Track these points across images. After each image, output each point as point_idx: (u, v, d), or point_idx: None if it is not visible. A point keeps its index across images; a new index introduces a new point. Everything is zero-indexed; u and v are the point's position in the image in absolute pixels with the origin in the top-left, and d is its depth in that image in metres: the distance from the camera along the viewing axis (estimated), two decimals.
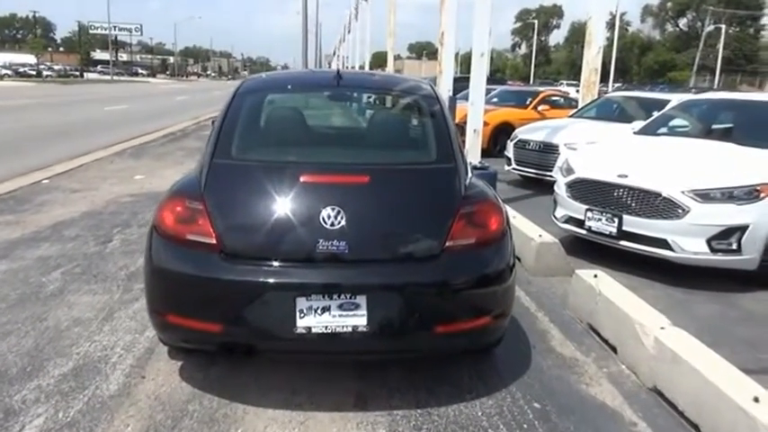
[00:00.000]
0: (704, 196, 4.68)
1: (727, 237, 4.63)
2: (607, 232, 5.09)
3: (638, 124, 6.70)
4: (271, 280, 2.71)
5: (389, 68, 18.07)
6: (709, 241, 4.66)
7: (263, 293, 2.71)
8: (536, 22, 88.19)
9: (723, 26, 60.96)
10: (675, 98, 9.09)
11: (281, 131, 3.44)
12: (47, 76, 66.76)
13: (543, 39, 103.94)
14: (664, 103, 9.39)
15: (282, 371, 3.19)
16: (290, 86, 3.83)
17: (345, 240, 2.75)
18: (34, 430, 2.65)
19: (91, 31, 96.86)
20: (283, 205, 2.85)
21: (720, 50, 58.58)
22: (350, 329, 2.68)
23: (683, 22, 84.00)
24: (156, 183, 8.64)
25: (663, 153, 5.55)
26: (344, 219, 2.77)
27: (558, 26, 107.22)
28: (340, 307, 2.69)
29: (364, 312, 2.69)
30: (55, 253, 5.19)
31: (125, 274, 4.70)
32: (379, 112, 3.84)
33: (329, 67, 69.53)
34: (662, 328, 3.22)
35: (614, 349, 3.58)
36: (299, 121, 3.54)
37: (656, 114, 7.67)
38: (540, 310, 4.27)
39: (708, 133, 6.06)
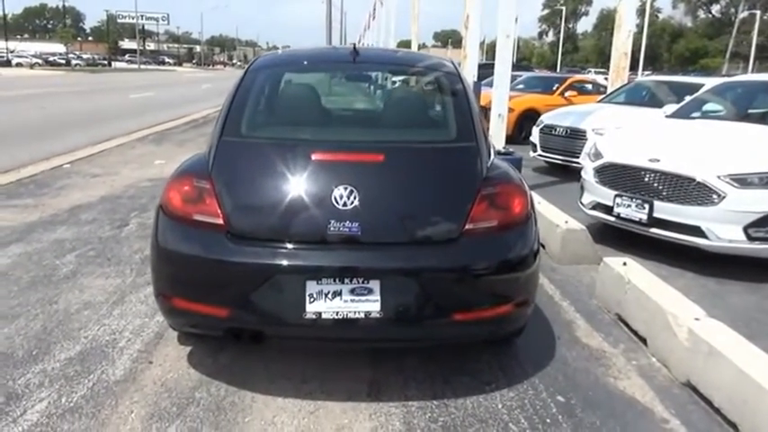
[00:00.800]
0: (742, 181, 4.42)
1: (766, 224, 4.38)
2: (637, 219, 4.86)
3: (671, 108, 6.41)
4: (279, 262, 2.57)
5: None
6: (746, 229, 4.40)
7: (271, 276, 2.57)
8: (564, 9, 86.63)
9: (758, 12, 59.14)
10: (709, 82, 8.75)
11: (293, 108, 3.29)
12: (75, 65, 67.60)
13: (571, 26, 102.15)
14: (697, 87, 9.01)
15: (293, 358, 3.06)
16: (303, 63, 3.68)
17: (358, 222, 2.59)
18: (36, 415, 2.56)
19: (119, 21, 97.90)
20: (293, 184, 2.71)
21: (755, 37, 56.94)
22: (362, 315, 2.53)
23: (715, 9, 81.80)
24: (175, 168, 8.58)
25: (697, 137, 5.28)
26: (357, 199, 2.62)
27: (586, 13, 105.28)
28: (352, 292, 2.54)
29: (377, 298, 2.54)
30: (70, 236, 5.14)
31: (139, 258, 4.62)
32: (396, 88, 3.67)
33: None
34: (696, 319, 3.02)
35: (644, 341, 3.38)
36: (313, 98, 3.38)
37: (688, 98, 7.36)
38: (566, 299, 4.07)
39: (744, 117, 5.76)
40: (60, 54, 73.99)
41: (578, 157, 8.09)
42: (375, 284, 2.54)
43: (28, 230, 5.28)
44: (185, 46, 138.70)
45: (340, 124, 3.53)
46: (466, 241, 2.67)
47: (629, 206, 4.91)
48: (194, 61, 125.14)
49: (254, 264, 2.58)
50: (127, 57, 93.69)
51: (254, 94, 3.22)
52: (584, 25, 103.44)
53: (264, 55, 3.78)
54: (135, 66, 79.73)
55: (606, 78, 12.68)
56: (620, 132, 6.03)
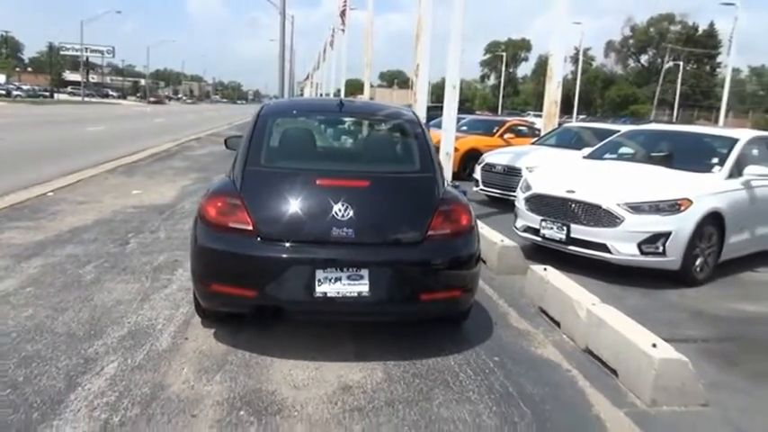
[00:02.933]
0: (636, 208, 5.69)
1: (654, 241, 5.64)
2: (558, 239, 6.07)
3: (587, 150, 7.75)
4: (296, 256, 3.58)
5: (365, 96, 19.11)
6: (639, 245, 5.66)
7: (291, 266, 3.58)
8: (504, 54, 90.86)
9: (681, 63, 64.00)
10: (623, 129, 10.26)
11: (297, 146, 4.33)
12: (16, 96, 66.37)
13: (512, 71, 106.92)
14: (614, 132, 10.55)
15: (297, 336, 4.02)
16: (302, 111, 4.73)
17: (352, 228, 3.63)
18: (112, 369, 3.44)
19: (62, 53, 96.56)
20: (304, 201, 3.74)
21: (678, 86, 61.49)
22: (356, 294, 3.55)
23: (644, 58, 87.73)
24: (154, 197, 9.41)
25: (604, 173, 6.58)
26: (352, 212, 3.66)
27: (526, 59, 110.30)
28: (348, 277, 3.56)
29: (366, 282, 3.57)
30: (81, 252, 5.94)
31: (150, 268, 5.48)
32: (372, 131, 4.77)
33: (302, 93, 70.45)
34: (593, 303, 4.17)
35: (558, 324, 4.50)
36: (311, 137, 4.44)
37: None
38: (501, 299, 5.18)
39: (644, 158, 7.12)
40: (0, 84, 72.48)
41: (515, 192, 9.34)
42: (365, 272, 3.58)
43: (40, 247, 6.04)
44: (129, 79, 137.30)
45: (333, 158, 4.59)
46: (428, 243, 3.74)
47: (551, 228, 6.12)
48: (139, 94, 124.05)
49: (278, 257, 3.58)
50: (69, 89, 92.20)
51: (267, 134, 4.25)
52: (524, 70, 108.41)
53: (269, 103, 4.81)
54: (78, 98, 78.63)
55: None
56: (545, 169, 7.29)
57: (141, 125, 30.56)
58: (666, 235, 5.62)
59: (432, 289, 3.74)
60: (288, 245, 3.62)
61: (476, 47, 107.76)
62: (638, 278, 5.83)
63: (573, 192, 6.01)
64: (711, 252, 6.03)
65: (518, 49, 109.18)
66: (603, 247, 5.76)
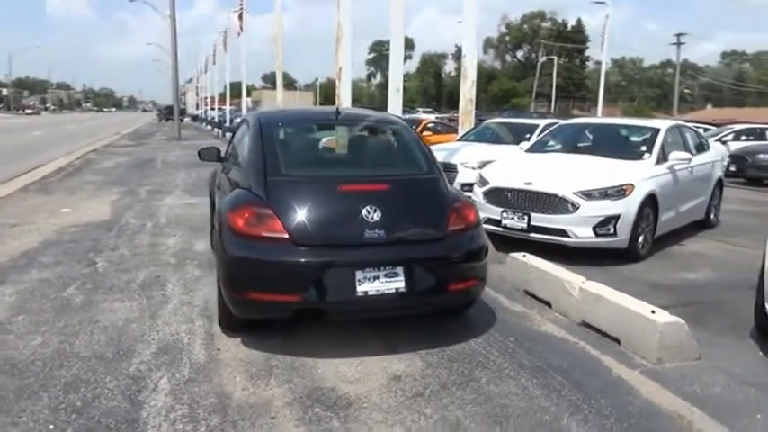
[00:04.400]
0: (588, 195, 6.33)
1: (606, 224, 6.30)
2: (519, 227, 6.59)
3: (526, 144, 8.39)
4: (336, 259, 3.79)
5: (279, 100, 19.04)
6: (594, 228, 6.29)
7: (332, 269, 3.78)
8: (390, 54, 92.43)
9: (555, 58, 68.33)
10: (542, 123, 11.10)
11: (309, 154, 4.52)
12: None
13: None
14: (531, 127, 11.40)
15: (322, 338, 4.18)
16: (303, 121, 4.88)
17: (383, 229, 3.89)
18: (166, 385, 3.48)
19: None
20: (333, 207, 3.95)
21: (554, 79, 65.68)
22: (393, 290, 3.81)
23: (520, 54, 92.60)
24: (90, 214, 9.03)
25: (554, 165, 7.20)
26: (379, 214, 3.91)
27: (410, 57, 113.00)
28: (386, 275, 3.82)
29: (402, 278, 3.84)
30: (51, 276, 5.70)
31: (136, 286, 5.40)
32: (374, 138, 5.01)
33: (184, 97, 67.82)
34: (583, 281, 4.68)
35: (549, 304, 4.98)
36: (317, 145, 4.62)
37: (529, 136, 9.55)
38: (486, 286, 5.59)
39: (581, 149, 7.84)
40: None
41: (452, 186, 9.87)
42: (399, 269, 3.84)
43: (1, 275, 5.73)
44: None
45: (347, 164, 4.77)
46: (449, 239, 4.07)
47: (512, 218, 6.63)
48: (1, 105, 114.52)
49: (319, 262, 3.76)
50: None
51: (277, 144, 4.39)
52: (409, 68, 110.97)
53: (266, 114, 4.90)
54: None
55: (436, 116, 14.87)
56: (497, 164, 7.82)
57: (20, 139, 28.47)
58: (617, 217, 6.30)
59: (456, 280, 4.07)
60: (325, 249, 3.81)
61: (363, 46, 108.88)
62: (589, 258, 6.46)
63: (531, 183, 6.55)
64: (649, 230, 6.80)
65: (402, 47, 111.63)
66: (563, 233, 6.34)
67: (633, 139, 7.77)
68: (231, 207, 4.05)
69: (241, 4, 25.37)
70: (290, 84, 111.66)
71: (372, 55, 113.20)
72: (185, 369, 3.71)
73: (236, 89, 47.28)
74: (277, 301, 3.78)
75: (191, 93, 75.66)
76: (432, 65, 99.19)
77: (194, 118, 62.49)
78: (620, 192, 6.38)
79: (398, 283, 3.83)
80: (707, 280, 6.10)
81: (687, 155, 7.23)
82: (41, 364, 3.76)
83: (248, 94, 38.26)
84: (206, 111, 56.05)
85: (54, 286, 5.36)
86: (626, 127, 8.28)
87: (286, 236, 3.80)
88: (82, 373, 3.62)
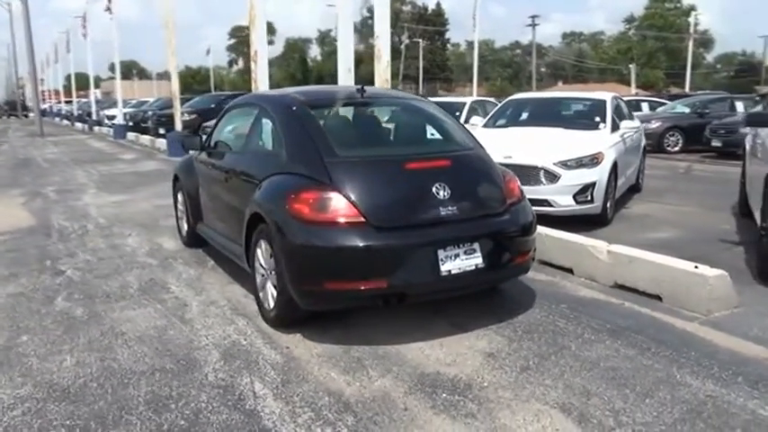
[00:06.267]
0: (567, 165, 6.58)
1: (584, 192, 6.60)
2: None
3: (480, 120, 8.55)
4: (419, 240, 3.64)
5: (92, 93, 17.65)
6: (574, 196, 6.57)
7: (416, 250, 3.63)
8: (251, 39, 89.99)
9: (420, 41, 70.08)
10: (468, 101, 11.39)
11: (354, 134, 4.29)
12: None
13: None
14: (459, 105, 11.68)
15: (379, 325, 4.03)
16: (330, 100, 4.59)
17: (455, 205, 3.79)
18: (266, 390, 3.18)
19: None
20: (403, 185, 3.78)
21: (421, 62, 67.42)
22: (473, 267, 3.74)
23: None
24: (9, 220, 8.00)
25: (524, 139, 7.38)
26: (448, 190, 3.81)
27: (272, 42, 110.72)
28: (465, 252, 3.74)
29: (479, 254, 3.78)
30: (21, 289, 4.99)
31: (136, 291, 4.87)
32: (409, 115, 4.83)
33: (23, 88, 61.23)
34: (608, 245, 4.87)
35: (570, 271, 5.13)
36: (357, 124, 4.40)
37: (459, 114, 9.77)
38: None
39: (537, 122, 8.10)
40: None
41: None
42: (476, 245, 3.78)
43: None
44: None
45: (399, 142, 4.53)
46: (509, 212, 4.07)
47: None
48: None
49: (403, 244, 3.60)
50: None
51: (320, 125, 4.12)
52: (272, 52, 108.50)
53: (290, 94, 4.54)
54: None
55: None
56: None
57: None
58: (593, 185, 6.62)
59: (520, 252, 4.07)
60: (404, 230, 3.65)
61: (222, 31, 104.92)
62: (564, 225, 6.73)
63: (510, 157, 6.67)
64: (612, 195, 7.22)
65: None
66: (546, 203, 6.55)
67: (584, 110, 8.19)
68: (290, 193, 3.75)
69: None
70: (141, 71, 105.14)
71: (233, 41, 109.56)
72: (270, 371, 3.41)
73: (81, 81, 43.40)
74: (361, 289, 3.57)
75: (29, 84, 68.84)
76: (297, 50, 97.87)
77: (43, 113, 57.17)
78: (593, 160, 6.70)
79: (477, 260, 3.76)
80: (677, 238, 6.59)
81: (635, 122, 7.74)
82: (97, 386, 3.29)
83: (96, 86, 35.47)
84: (52, 105, 51.86)
85: (36, 300, 4.71)
86: (573, 99, 8.71)
87: (362, 219, 3.59)
88: (157, 389, 3.22)
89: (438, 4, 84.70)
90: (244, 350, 3.70)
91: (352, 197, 3.64)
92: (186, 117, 18.52)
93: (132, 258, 5.88)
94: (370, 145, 4.29)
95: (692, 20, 56.03)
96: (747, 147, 7.23)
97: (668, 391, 3.14)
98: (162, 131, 19.71)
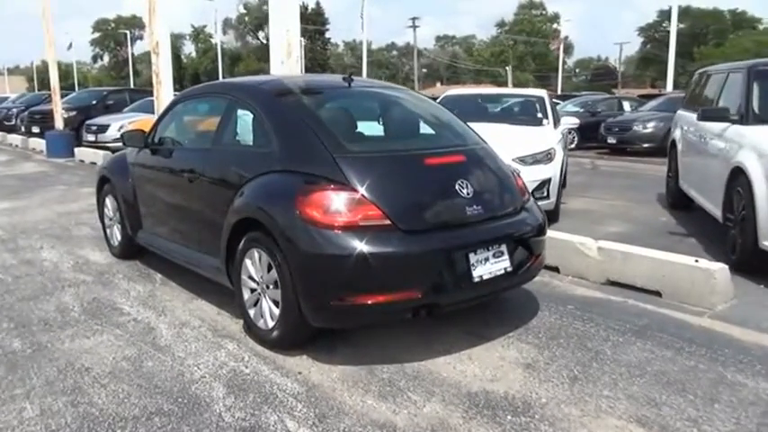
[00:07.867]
0: (524, 161, 6.46)
1: (542, 188, 6.52)
2: None
3: None
4: (450, 243, 3.26)
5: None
6: (532, 192, 6.42)
7: (449, 255, 3.24)
8: (128, 32, 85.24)
9: (303, 40, 69.20)
10: None
11: (354, 127, 3.80)
12: None
13: (122, 49, 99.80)
14: None
15: (399, 341, 3.62)
16: (318, 89, 4.07)
17: (480, 204, 3.46)
18: (303, 429, 2.67)
19: None
20: (425, 183, 3.39)
21: (303, 60, 66.49)
22: (502, 271, 3.43)
23: (262, 35, 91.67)
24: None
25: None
26: (471, 188, 3.47)
27: (140, 37, 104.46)
28: (494, 255, 3.42)
29: (507, 257, 3.47)
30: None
31: (80, 314, 4.09)
32: (404, 107, 4.36)
33: None
34: (597, 241, 4.76)
35: (556, 269, 4.97)
36: (354, 116, 3.92)
37: None
38: None
39: (481, 118, 7.88)
40: None
41: None
42: (504, 247, 3.47)
43: None
44: None
45: (406, 135, 4.04)
46: (526, 210, 3.80)
47: None
48: None
49: (434, 249, 3.21)
50: None
51: (322, 117, 3.61)
52: (141, 48, 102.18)
53: (275, 82, 3.97)
54: None
55: None
56: None
57: None
58: (549, 180, 6.56)
59: (536, 253, 3.80)
60: (435, 233, 3.26)
61: (86, 25, 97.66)
62: None
63: None
64: (561, 191, 7.22)
65: (130, 26, 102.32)
66: None
67: (526, 106, 8.16)
68: (298, 195, 3.23)
69: None
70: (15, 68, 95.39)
71: (97, 35, 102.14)
72: (296, 404, 2.89)
73: None
74: (392, 302, 3.12)
75: None
76: (175, 48, 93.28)
77: None
78: (547, 156, 6.65)
79: (505, 263, 3.45)
80: (629, 231, 6.67)
81: (574, 119, 7.81)
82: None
83: None
84: None
85: (31, 311, 3.92)
86: (511, 96, 8.66)
87: (388, 222, 3.15)
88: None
89: (318, 4, 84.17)
90: (250, 380, 3.14)
91: (373, 197, 3.19)
92: (65, 115, 16.74)
93: (57, 275, 4.99)
94: (378, 139, 3.85)
95: (562, 26, 59.83)
96: (679, 143, 7.52)
97: (730, 393, 3.00)
98: (36, 130, 17.68)
